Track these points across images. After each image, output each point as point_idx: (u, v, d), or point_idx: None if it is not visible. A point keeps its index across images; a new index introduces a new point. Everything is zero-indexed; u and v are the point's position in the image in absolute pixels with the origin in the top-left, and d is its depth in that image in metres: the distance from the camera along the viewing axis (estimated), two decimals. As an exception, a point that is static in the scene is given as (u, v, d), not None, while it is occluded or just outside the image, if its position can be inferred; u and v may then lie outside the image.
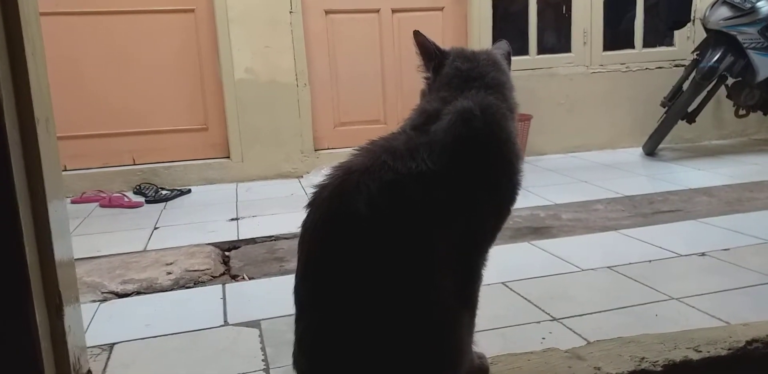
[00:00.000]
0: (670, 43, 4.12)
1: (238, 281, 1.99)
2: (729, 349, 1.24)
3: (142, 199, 3.11)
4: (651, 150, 3.79)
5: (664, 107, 3.69)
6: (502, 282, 1.81)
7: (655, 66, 4.03)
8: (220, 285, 1.93)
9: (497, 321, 1.54)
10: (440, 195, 0.94)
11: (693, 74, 3.57)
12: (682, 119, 3.71)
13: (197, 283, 1.96)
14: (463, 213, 0.96)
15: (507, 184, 1.03)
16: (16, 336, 0.76)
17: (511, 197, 1.05)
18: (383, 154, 0.95)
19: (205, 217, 2.76)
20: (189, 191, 3.30)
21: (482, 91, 1.05)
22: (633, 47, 4.04)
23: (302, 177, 3.51)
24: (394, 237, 0.91)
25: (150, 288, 1.92)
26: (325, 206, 0.94)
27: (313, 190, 0.98)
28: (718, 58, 3.46)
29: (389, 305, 0.90)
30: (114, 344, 1.54)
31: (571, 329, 1.49)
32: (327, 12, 3.57)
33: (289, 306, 0.98)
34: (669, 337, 1.30)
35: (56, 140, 0.90)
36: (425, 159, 0.94)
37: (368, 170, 0.93)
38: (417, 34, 1.10)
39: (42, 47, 0.83)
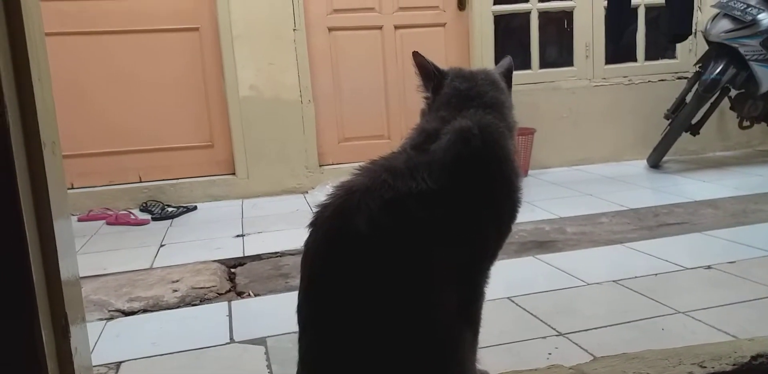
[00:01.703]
0: (672, 56, 4.13)
1: (243, 298, 1.99)
2: (734, 365, 1.23)
3: (148, 217, 3.13)
4: (655, 162, 3.78)
5: (668, 119, 3.69)
6: (508, 297, 1.81)
7: (658, 78, 4.04)
8: (226, 303, 1.94)
9: (503, 337, 1.54)
10: (440, 213, 0.95)
11: (696, 86, 3.57)
12: (686, 131, 3.70)
13: (203, 300, 1.97)
14: (464, 231, 0.97)
15: (507, 202, 1.04)
16: (22, 359, 0.77)
17: (511, 215, 1.05)
18: (384, 173, 0.97)
19: (210, 234, 2.77)
20: (195, 208, 3.31)
21: (480, 111, 1.06)
22: (635, 60, 4.06)
23: (307, 192, 3.52)
24: (396, 256, 0.92)
25: (156, 306, 1.93)
26: (327, 225, 0.95)
27: (315, 210, 0.99)
28: (720, 71, 3.47)
29: (391, 323, 0.91)
30: (121, 362, 1.55)
31: (577, 344, 1.49)
32: (330, 29, 3.61)
33: (295, 323, 0.99)
34: (673, 353, 1.29)
35: (62, 162, 0.91)
36: (425, 178, 0.96)
37: (369, 189, 0.94)
38: (416, 55, 1.11)
39: (48, 71, 0.84)
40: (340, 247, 0.93)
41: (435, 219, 0.94)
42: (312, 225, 0.98)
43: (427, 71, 1.12)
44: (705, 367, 1.23)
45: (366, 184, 0.96)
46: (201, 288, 2.04)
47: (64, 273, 0.87)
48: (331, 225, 0.94)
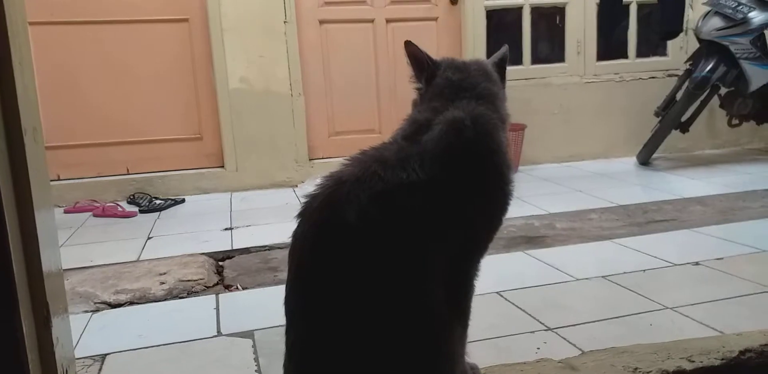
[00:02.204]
0: (663, 53, 4.14)
1: (231, 291, 1.98)
2: (722, 359, 1.23)
3: (135, 209, 3.10)
4: (645, 159, 3.80)
5: (658, 117, 3.71)
6: (497, 292, 1.81)
7: (649, 76, 4.05)
8: (214, 295, 1.92)
9: (492, 331, 1.54)
10: (431, 205, 0.94)
11: (686, 84, 3.59)
12: (676, 129, 3.72)
13: (190, 293, 1.95)
14: (454, 223, 0.96)
15: (498, 194, 1.03)
16: (2, 349, 0.75)
17: (503, 207, 1.04)
18: (374, 164, 0.95)
19: (198, 227, 2.75)
20: (183, 201, 3.29)
21: (473, 102, 1.05)
22: (626, 57, 4.07)
23: (297, 186, 3.50)
24: (385, 248, 0.91)
25: (143, 299, 1.91)
26: (316, 216, 0.94)
27: (304, 200, 0.98)
28: (710, 68, 3.48)
29: (379, 316, 0.90)
30: (106, 355, 1.53)
31: (565, 339, 1.49)
32: (321, 22, 3.58)
33: (283, 317, 0.98)
34: (662, 347, 1.29)
35: (44, 150, 0.89)
36: (416, 169, 0.94)
37: (359, 180, 0.93)
38: (408, 45, 1.10)
39: (30, 56, 0.82)
40: (329, 239, 0.92)
41: (425, 210, 0.93)
42: (300, 216, 0.97)
43: (420, 61, 1.11)
44: (693, 361, 1.23)
45: (356, 174, 0.94)
46: (188, 280, 2.03)
47: (46, 263, 0.86)
48: (320, 216, 0.93)
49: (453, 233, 0.97)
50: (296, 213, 0.98)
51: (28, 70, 0.79)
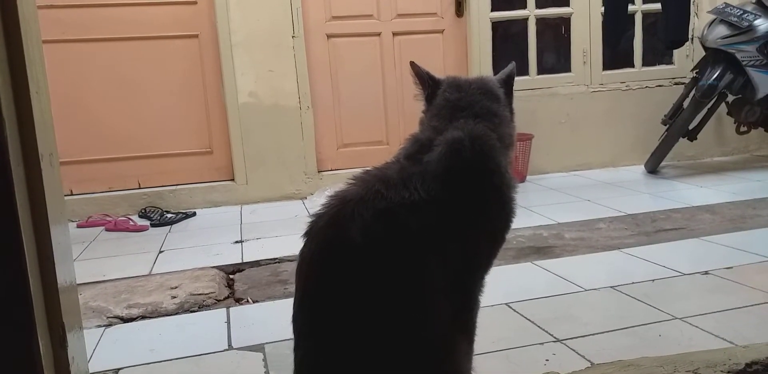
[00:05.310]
0: (670, 62, 4.14)
1: (242, 304, 1.99)
2: (728, 372, 1.23)
3: (147, 223, 3.13)
4: (653, 168, 3.79)
5: (665, 125, 3.71)
6: (506, 303, 1.81)
7: (655, 84, 4.06)
8: (225, 309, 1.94)
9: (500, 343, 1.54)
10: (433, 223, 0.96)
11: (693, 92, 3.59)
12: (684, 137, 3.72)
13: (202, 307, 1.97)
14: (457, 241, 0.98)
15: (499, 213, 1.05)
16: (19, 370, 0.77)
17: (505, 225, 1.06)
18: (377, 184, 0.97)
19: (209, 240, 2.77)
20: (194, 214, 3.32)
21: (471, 121, 1.06)
22: (633, 66, 4.07)
23: (306, 198, 3.53)
24: (389, 266, 0.92)
25: (155, 313, 1.93)
26: (322, 235, 0.96)
27: (310, 220, 1.00)
28: (717, 76, 3.48)
29: (385, 333, 0.91)
30: (119, 369, 1.55)
31: (574, 350, 1.49)
32: (329, 36, 3.62)
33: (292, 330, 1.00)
34: (668, 360, 1.29)
35: (60, 172, 0.92)
36: (418, 188, 0.96)
37: (363, 199, 0.95)
38: (413, 65, 1.13)
39: (46, 85, 0.85)
40: (335, 257, 0.93)
41: (428, 229, 0.95)
42: (306, 234, 0.99)
43: (423, 80, 1.13)
44: (699, 374, 1.23)
45: (360, 193, 0.96)
46: (200, 294, 2.05)
47: (61, 282, 0.88)
48: (326, 235, 0.95)
49: (455, 251, 0.98)
50: (302, 232, 1.00)
51: (44, 98, 0.82)
